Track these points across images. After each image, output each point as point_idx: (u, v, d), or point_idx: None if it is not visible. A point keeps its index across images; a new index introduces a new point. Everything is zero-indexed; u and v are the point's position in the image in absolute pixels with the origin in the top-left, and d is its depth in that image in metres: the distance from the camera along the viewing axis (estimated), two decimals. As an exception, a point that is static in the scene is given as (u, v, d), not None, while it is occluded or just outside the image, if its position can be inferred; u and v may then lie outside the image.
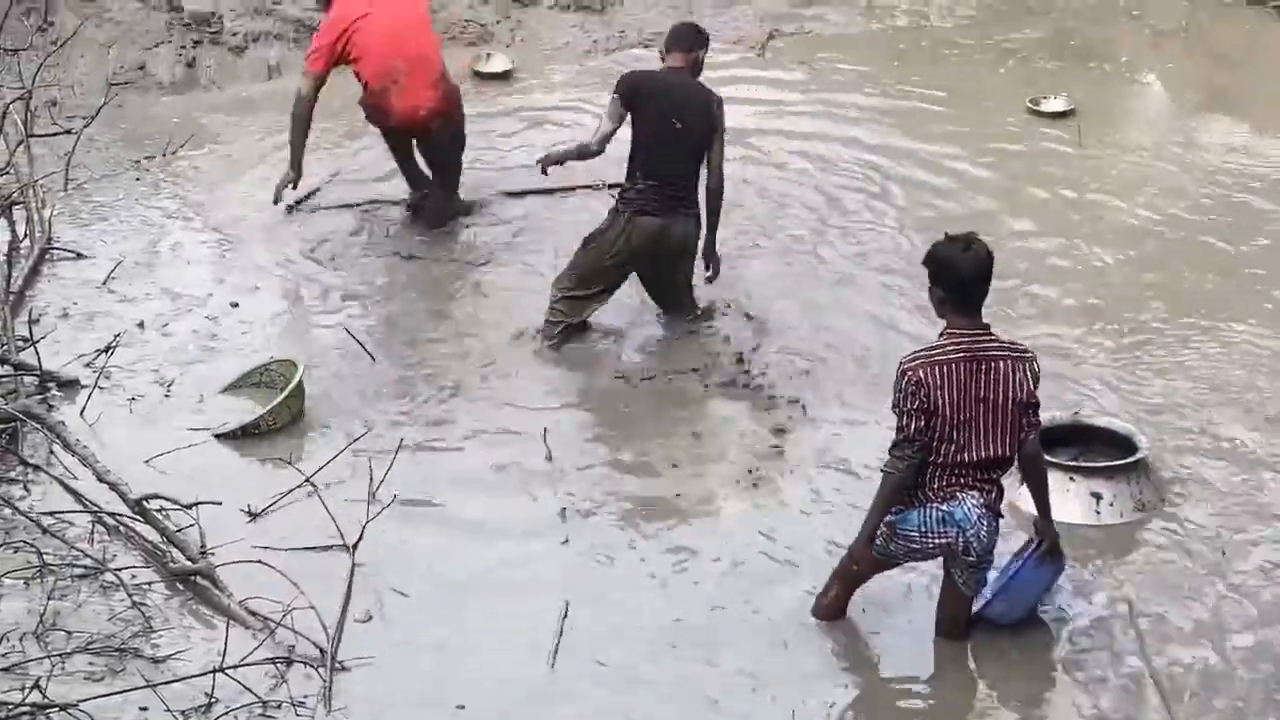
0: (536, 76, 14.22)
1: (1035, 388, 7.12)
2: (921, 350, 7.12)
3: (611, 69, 13.51)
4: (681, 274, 10.10)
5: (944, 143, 12.98)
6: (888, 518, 7.22)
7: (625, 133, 9.81)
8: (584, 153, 9.98)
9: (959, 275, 7.06)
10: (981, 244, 7.20)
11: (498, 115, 13.26)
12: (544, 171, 10.16)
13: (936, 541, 7.22)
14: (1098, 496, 8.48)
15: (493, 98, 13.62)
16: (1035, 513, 7.45)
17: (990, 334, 7.14)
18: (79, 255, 10.83)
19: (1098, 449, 8.84)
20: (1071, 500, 8.48)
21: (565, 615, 7.56)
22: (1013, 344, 7.30)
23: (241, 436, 8.97)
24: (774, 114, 13.50)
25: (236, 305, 10.34)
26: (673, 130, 9.65)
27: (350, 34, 10.71)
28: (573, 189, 11.82)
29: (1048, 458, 8.44)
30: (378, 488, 8.31)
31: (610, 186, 10.98)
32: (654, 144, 9.67)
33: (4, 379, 9.14)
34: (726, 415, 9.45)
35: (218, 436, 8.99)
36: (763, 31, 15.27)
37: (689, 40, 9.94)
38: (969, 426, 7.02)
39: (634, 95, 9.72)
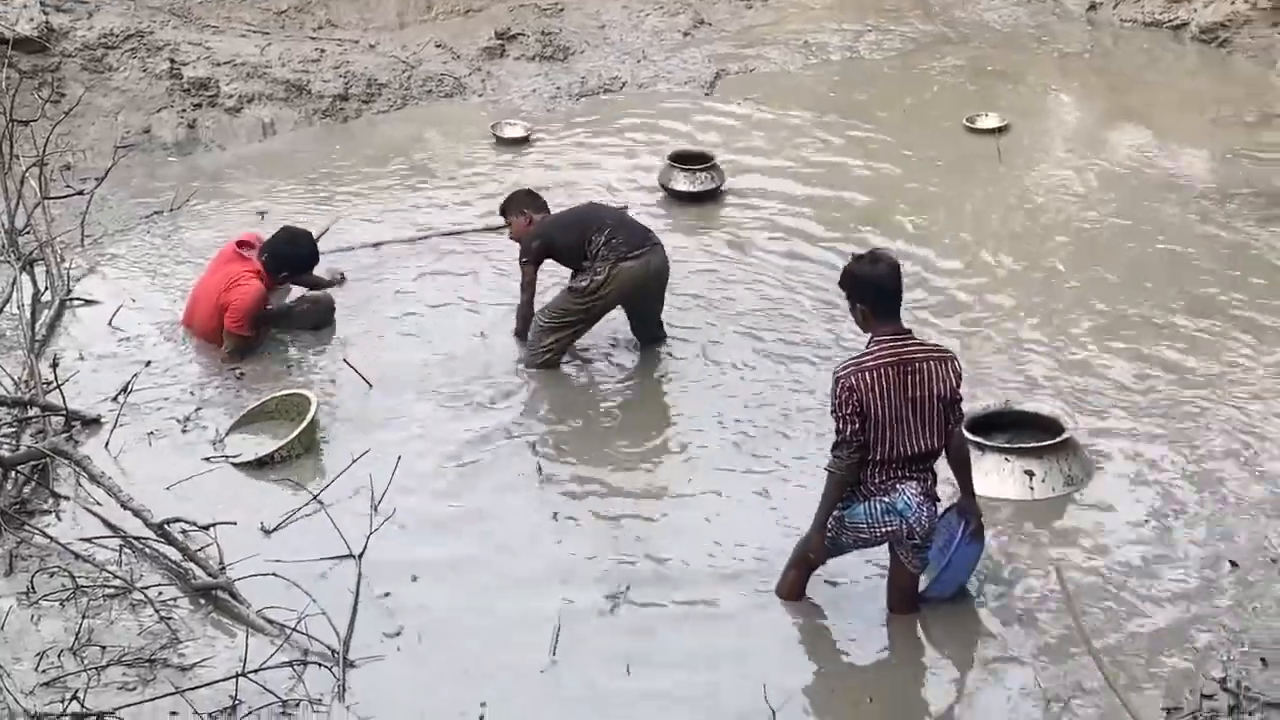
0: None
1: (958, 385, 7.17)
2: (852, 359, 7.17)
3: (576, 110, 13.63)
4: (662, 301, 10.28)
5: (884, 161, 13.07)
6: (836, 512, 7.26)
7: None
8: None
9: (875, 287, 7.13)
10: (888, 255, 7.35)
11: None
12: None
13: (883, 530, 7.27)
14: (1030, 474, 8.52)
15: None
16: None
17: (913, 338, 7.20)
18: (90, 302, 10.77)
19: (1028, 432, 8.88)
20: (1007, 479, 8.53)
21: (559, 620, 7.56)
22: (935, 346, 7.38)
23: (257, 467, 8.96)
24: (722, 145, 13.55)
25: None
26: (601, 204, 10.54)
27: None
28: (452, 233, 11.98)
29: (984, 441, 8.55)
30: (379, 501, 8.31)
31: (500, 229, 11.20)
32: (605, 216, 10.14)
33: (33, 419, 9.12)
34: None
35: (234, 465, 8.97)
36: (710, 71, 15.33)
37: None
38: (901, 424, 7.06)
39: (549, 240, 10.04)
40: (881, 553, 7.55)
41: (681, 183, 12.38)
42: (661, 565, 8.07)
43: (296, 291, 10.83)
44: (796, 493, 8.43)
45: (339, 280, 10.99)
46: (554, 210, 10.46)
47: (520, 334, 10.20)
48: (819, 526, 7.31)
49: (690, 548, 8.20)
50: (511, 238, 10.46)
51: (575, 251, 9.91)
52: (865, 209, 12.26)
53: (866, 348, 7.16)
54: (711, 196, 12.41)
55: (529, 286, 10.08)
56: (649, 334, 10.27)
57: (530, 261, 10.03)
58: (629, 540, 8.31)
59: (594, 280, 9.79)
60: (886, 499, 7.19)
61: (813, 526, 7.34)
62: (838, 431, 7.11)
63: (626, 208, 11.20)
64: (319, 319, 10.62)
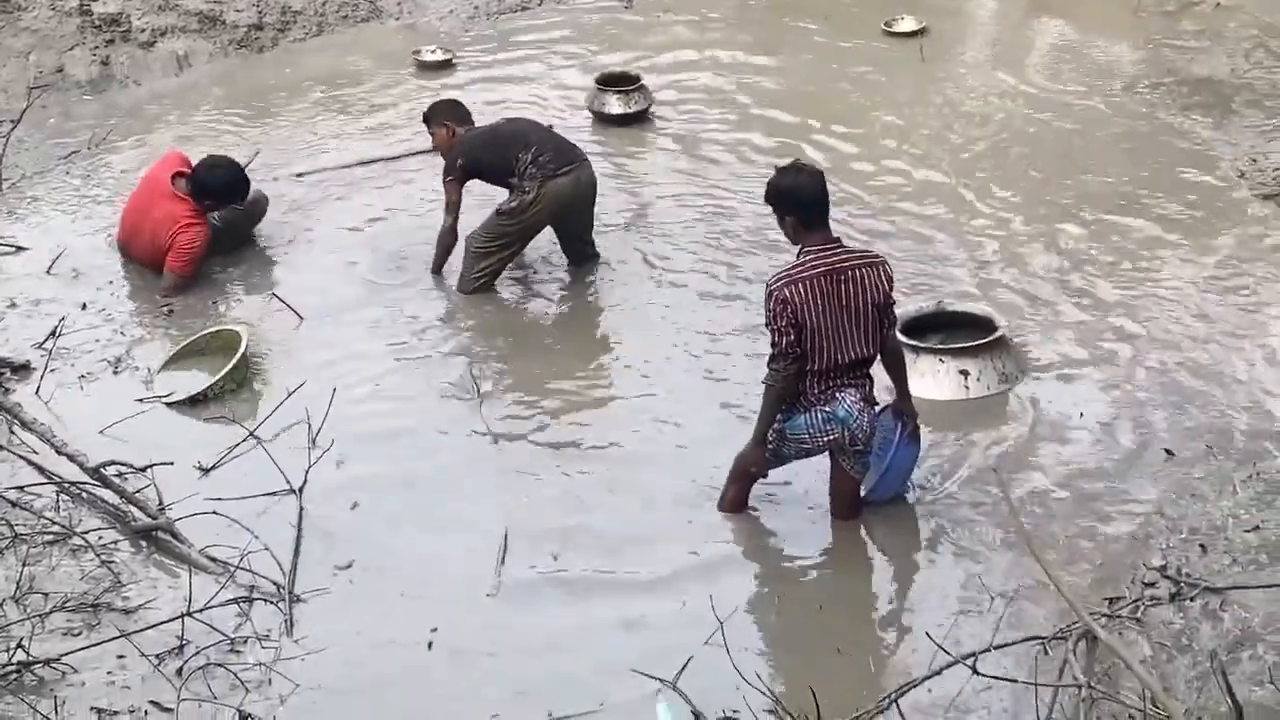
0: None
1: (890, 289, 7.18)
2: (784, 271, 7.15)
3: (495, 31, 13.54)
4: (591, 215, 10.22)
5: (806, 68, 13.04)
6: (776, 425, 7.28)
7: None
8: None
9: (801, 197, 7.13)
10: (810, 166, 7.40)
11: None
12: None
13: (824, 439, 7.30)
14: (965, 374, 8.57)
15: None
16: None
17: (843, 246, 7.19)
18: (19, 249, 10.64)
19: (962, 332, 8.92)
20: (943, 379, 8.57)
21: (505, 541, 7.56)
22: (864, 252, 7.42)
23: (190, 405, 8.89)
24: (647, 57, 13.47)
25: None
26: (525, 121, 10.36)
27: None
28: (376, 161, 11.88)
29: (919, 343, 8.58)
30: (317, 434, 8.27)
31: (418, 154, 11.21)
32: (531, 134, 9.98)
33: (-40, 369, 9.02)
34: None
35: (167, 404, 8.90)
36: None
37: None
38: (837, 333, 7.07)
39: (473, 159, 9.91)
40: (821, 459, 7.57)
41: (611, 106, 12.26)
42: (603, 483, 8.08)
43: None
44: (737, 400, 8.46)
45: (262, 204, 10.86)
46: (479, 123, 10.36)
47: (437, 266, 10.09)
48: (759, 440, 7.33)
49: (633, 464, 8.21)
50: (435, 148, 10.37)
51: (502, 170, 9.81)
52: (789, 120, 12.20)
53: (797, 258, 7.14)
54: (641, 118, 12.30)
55: (454, 207, 9.92)
56: (579, 252, 10.20)
57: (455, 180, 9.88)
58: (571, 457, 8.31)
59: (523, 200, 9.71)
60: (827, 408, 7.21)
61: (752, 440, 7.36)
62: (773, 344, 7.11)
63: (552, 126, 11.10)
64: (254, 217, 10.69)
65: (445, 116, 10.24)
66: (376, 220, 10.97)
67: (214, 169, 10.31)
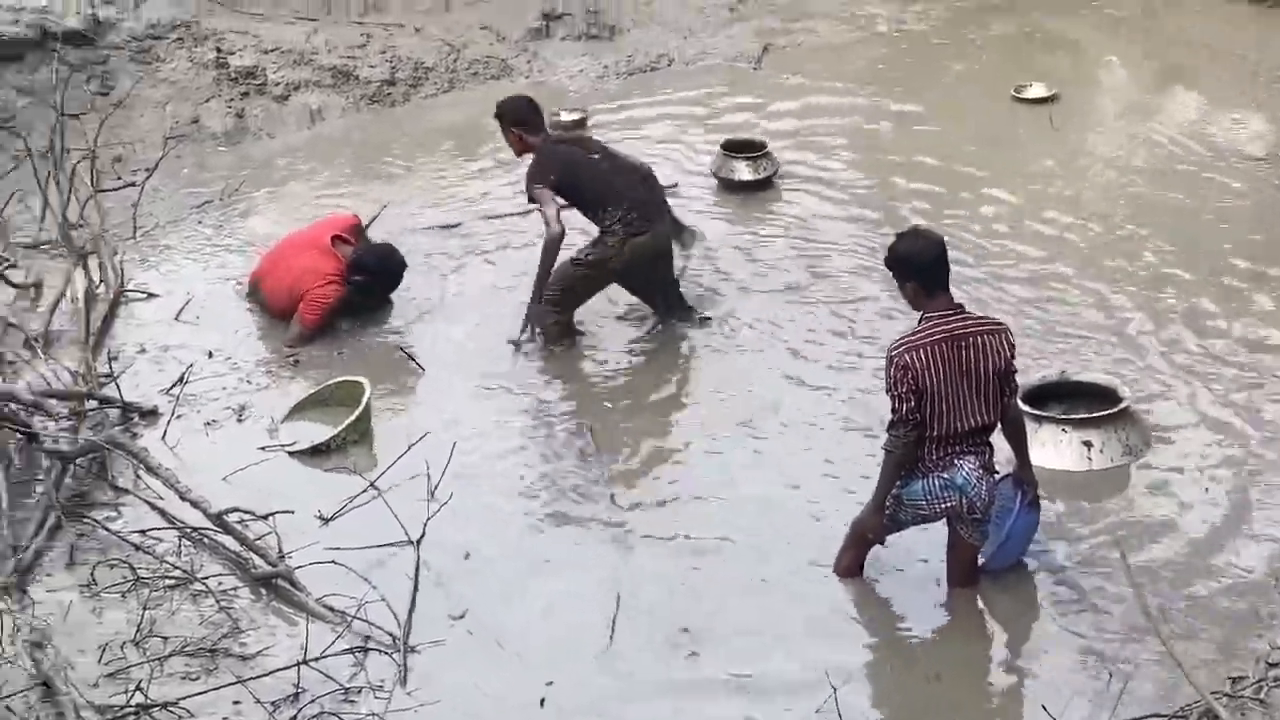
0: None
1: (1012, 357, 7.14)
2: (905, 337, 7.12)
3: (623, 89, 13.61)
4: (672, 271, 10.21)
5: (934, 134, 13.00)
6: (894, 490, 7.23)
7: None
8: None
9: (921, 263, 7.10)
10: (931, 231, 7.37)
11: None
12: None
13: (942, 506, 7.23)
14: (1088, 444, 8.46)
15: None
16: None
17: (965, 312, 7.16)
18: (150, 295, 10.85)
19: (1085, 402, 8.81)
20: (1065, 449, 8.47)
21: (618, 602, 7.54)
22: (986, 318, 7.39)
23: (312, 455, 8.99)
24: (773, 120, 13.49)
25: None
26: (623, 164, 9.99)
27: None
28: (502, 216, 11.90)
29: (1042, 412, 8.49)
30: (436, 487, 8.33)
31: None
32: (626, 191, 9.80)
33: (91, 413, 9.17)
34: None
35: (290, 453, 9.01)
36: (758, 46, 15.25)
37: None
38: (957, 400, 7.02)
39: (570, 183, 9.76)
40: (939, 526, 7.50)
41: (739, 172, 12.23)
42: (717, 541, 8.05)
43: None
44: (855, 465, 8.41)
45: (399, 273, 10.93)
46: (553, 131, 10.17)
47: (542, 283, 9.81)
48: (877, 506, 7.28)
49: (747, 523, 8.17)
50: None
51: (588, 208, 9.79)
52: (914, 186, 12.14)
53: (918, 325, 7.12)
54: (766, 184, 12.25)
55: (556, 217, 9.61)
56: (669, 308, 10.18)
57: (548, 189, 9.64)
58: (685, 515, 8.30)
59: (604, 252, 9.72)
60: (945, 475, 7.16)
61: (870, 505, 7.32)
62: (894, 410, 7.08)
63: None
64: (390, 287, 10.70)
65: (520, 118, 9.98)
66: (501, 275, 11.03)
67: (379, 255, 10.52)
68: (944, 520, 7.38)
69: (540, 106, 10.20)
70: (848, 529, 7.57)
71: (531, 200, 9.80)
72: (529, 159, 9.92)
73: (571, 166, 9.80)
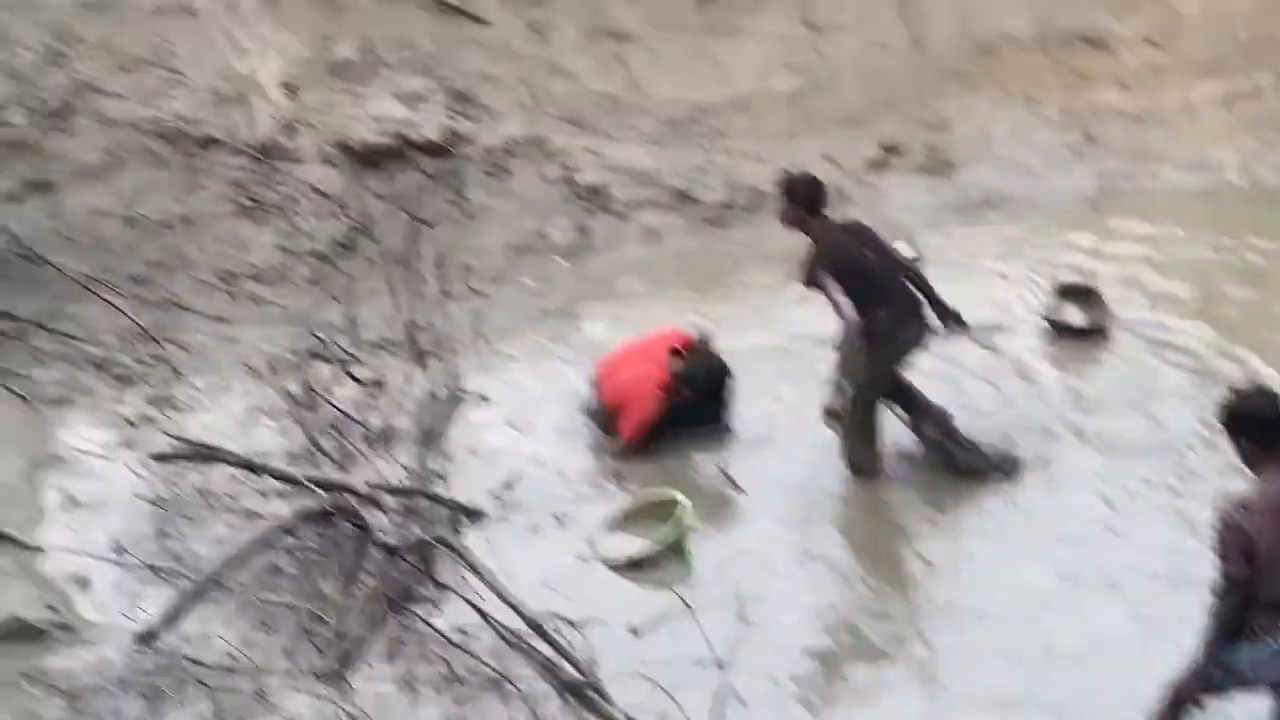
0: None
1: (1355, 523, 6.86)
2: (1238, 499, 6.92)
3: (956, 225, 13.66)
4: None
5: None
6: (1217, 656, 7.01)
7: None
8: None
9: (1258, 422, 6.90)
10: (1268, 388, 7.22)
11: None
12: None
13: (1269, 676, 7.00)
14: None
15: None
16: None
17: (1302, 474, 6.92)
18: (485, 399, 11.21)
19: None
20: None
21: None
22: None
23: (627, 567, 9.16)
24: (1108, 260, 13.24)
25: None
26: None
27: None
28: None
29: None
30: (746, 608, 8.39)
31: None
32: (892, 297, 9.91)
33: (421, 510, 9.50)
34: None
35: (607, 564, 9.20)
36: (1098, 187, 15.01)
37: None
38: (1292, 565, 6.79)
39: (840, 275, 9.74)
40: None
41: (1071, 316, 12.06)
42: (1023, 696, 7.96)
43: None
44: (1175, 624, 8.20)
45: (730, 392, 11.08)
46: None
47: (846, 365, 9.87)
48: (1199, 670, 7.05)
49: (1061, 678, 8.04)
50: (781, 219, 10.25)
51: (853, 298, 9.70)
52: (1265, 342, 11.75)
53: (1253, 486, 6.93)
54: (1099, 333, 12.05)
55: (846, 303, 9.62)
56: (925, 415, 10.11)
57: (828, 275, 9.69)
58: (991, 669, 8.22)
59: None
60: (1276, 644, 6.92)
61: (1191, 669, 7.09)
62: (1223, 574, 6.87)
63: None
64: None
65: (802, 197, 10.01)
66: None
67: (708, 367, 10.66)
68: (1270, 688, 7.12)
69: (827, 189, 10.27)
70: (1165, 691, 7.35)
71: (809, 285, 9.87)
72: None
73: (840, 257, 9.81)
